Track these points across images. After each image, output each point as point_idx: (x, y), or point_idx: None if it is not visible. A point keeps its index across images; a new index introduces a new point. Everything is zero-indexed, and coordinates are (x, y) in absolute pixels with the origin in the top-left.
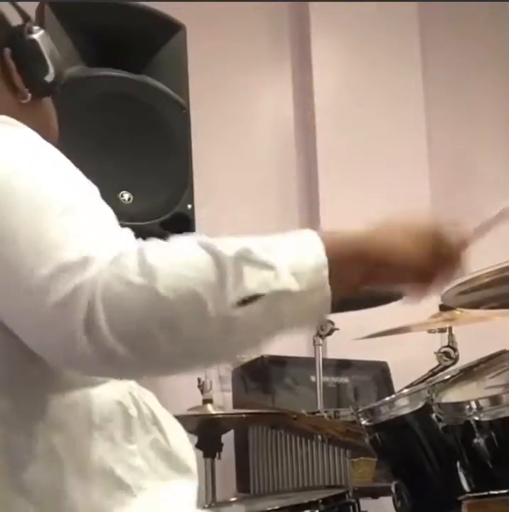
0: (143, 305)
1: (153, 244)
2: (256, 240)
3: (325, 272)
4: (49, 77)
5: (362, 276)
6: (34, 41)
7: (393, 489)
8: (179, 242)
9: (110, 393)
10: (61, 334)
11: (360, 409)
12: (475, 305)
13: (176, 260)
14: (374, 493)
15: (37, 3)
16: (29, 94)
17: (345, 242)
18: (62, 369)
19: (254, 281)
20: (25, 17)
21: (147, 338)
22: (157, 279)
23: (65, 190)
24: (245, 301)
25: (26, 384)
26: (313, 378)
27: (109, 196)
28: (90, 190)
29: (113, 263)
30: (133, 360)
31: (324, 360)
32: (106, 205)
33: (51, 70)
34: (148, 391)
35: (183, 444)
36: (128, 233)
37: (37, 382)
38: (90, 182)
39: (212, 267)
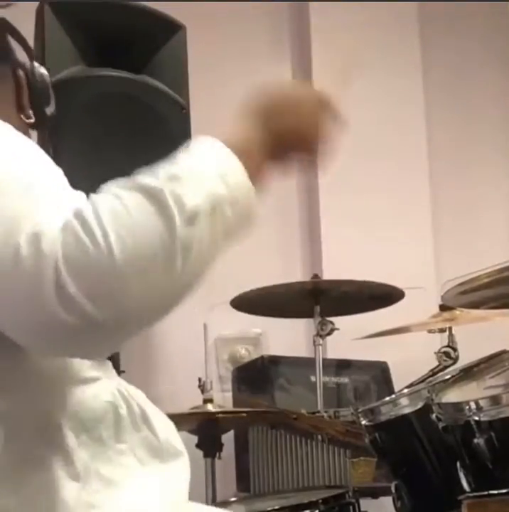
0: (102, 260)
1: (88, 204)
2: (171, 164)
3: (244, 173)
4: (49, 110)
5: (267, 158)
6: (44, 74)
7: (393, 489)
8: (106, 193)
9: (100, 393)
10: (34, 306)
11: (360, 409)
12: (475, 305)
13: (116, 210)
14: (375, 493)
15: (37, 3)
16: (33, 117)
17: (243, 140)
18: (39, 349)
19: (192, 196)
20: (32, 55)
21: (116, 292)
22: (107, 234)
23: (15, 170)
24: (192, 219)
25: (10, 385)
26: (313, 378)
27: None
28: (42, 166)
29: (63, 229)
30: (105, 317)
31: (324, 360)
32: (59, 177)
33: (53, 104)
34: (138, 389)
35: (172, 436)
36: (77, 196)
37: (20, 384)
38: (50, 160)
39: (149, 203)
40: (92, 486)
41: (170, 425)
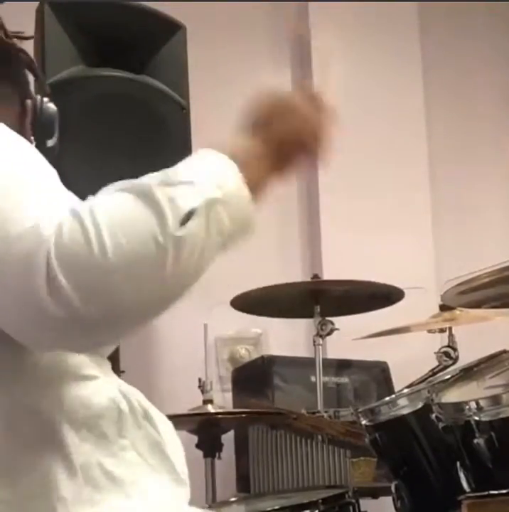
0: (93, 256)
1: (85, 204)
2: (170, 171)
3: (241, 179)
4: (50, 142)
5: (268, 167)
6: (52, 109)
7: (393, 489)
8: (102, 195)
9: (100, 391)
10: (25, 296)
11: (360, 409)
12: (475, 305)
13: (109, 210)
14: (375, 493)
15: (37, 3)
16: (33, 143)
17: (243, 151)
18: (28, 340)
19: (185, 198)
20: (44, 89)
21: (107, 289)
22: (101, 232)
23: (12, 168)
24: (185, 220)
25: (7, 378)
26: (313, 378)
27: None
28: (40, 167)
29: (59, 225)
30: (97, 314)
31: (324, 360)
32: (54, 178)
33: (55, 138)
34: (137, 389)
35: (174, 442)
36: (71, 198)
37: (17, 376)
38: (47, 162)
39: (142, 202)
40: (91, 481)
41: (174, 433)
